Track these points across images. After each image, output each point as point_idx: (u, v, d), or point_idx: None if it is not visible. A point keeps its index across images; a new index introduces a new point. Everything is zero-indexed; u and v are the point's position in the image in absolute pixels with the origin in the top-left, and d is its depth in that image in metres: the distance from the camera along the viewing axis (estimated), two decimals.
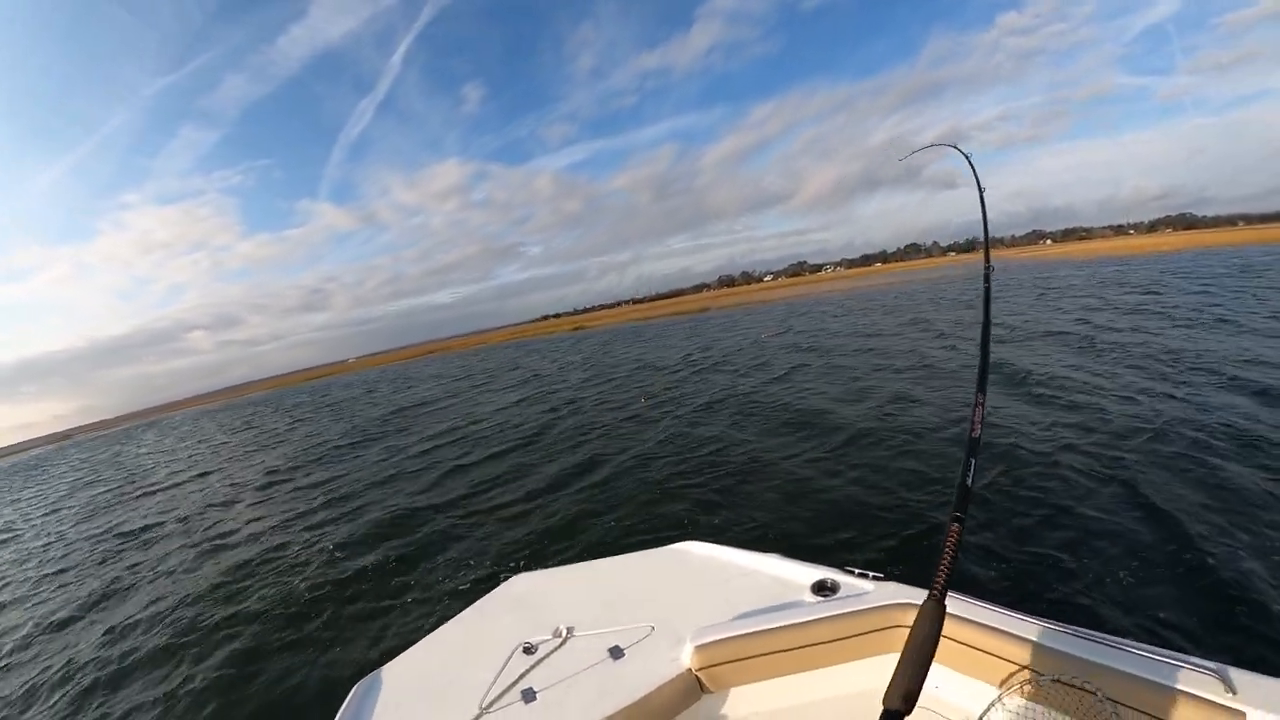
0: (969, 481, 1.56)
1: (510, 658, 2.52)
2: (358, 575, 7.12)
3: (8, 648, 7.45)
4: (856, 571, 2.57)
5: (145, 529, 12.53)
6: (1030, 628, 1.99)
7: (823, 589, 2.52)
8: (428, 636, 2.85)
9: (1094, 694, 1.67)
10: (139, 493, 17.80)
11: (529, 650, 2.55)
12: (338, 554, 8.03)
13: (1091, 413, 8.37)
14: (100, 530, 13.53)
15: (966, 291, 37.16)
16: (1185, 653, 1.76)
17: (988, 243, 2.69)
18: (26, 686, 6.26)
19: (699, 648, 2.33)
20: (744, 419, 11.45)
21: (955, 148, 3.48)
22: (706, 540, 3.30)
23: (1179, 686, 1.65)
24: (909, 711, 1.17)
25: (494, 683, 2.38)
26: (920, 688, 1.22)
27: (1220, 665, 1.68)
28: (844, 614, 2.30)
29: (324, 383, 78.92)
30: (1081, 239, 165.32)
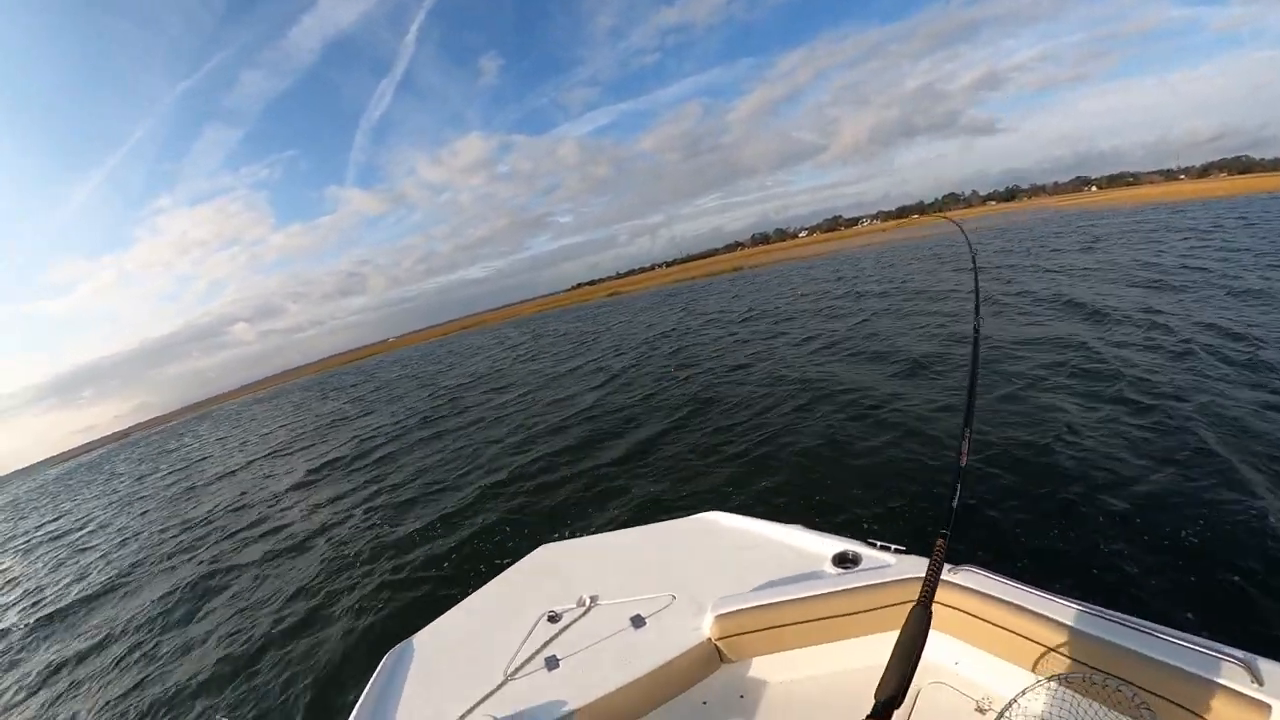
0: (955, 503, 1.66)
1: (535, 626, 2.59)
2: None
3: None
4: (879, 544, 2.57)
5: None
6: (1061, 609, 1.94)
7: (844, 561, 2.53)
8: (456, 605, 2.94)
9: (1130, 696, 1.65)
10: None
11: (553, 619, 2.61)
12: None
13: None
14: (166, 520, 14.16)
15: (1009, 243, 35.99)
16: (1216, 640, 1.72)
17: (978, 305, 2.71)
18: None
19: (719, 618, 2.36)
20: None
21: (954, 222, 3.81)
22: (730, 511, 3.33)
23: (1205, 675, 1.62)
24: (897, 706, 1.26)
25: (519, 650, 2.45)
26: (908, 686, 1.30)
27: (1249, 655, 1.65)
28: (864, 587, 2.31)
29: (369, 363, 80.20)
30: (1129, 185, 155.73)
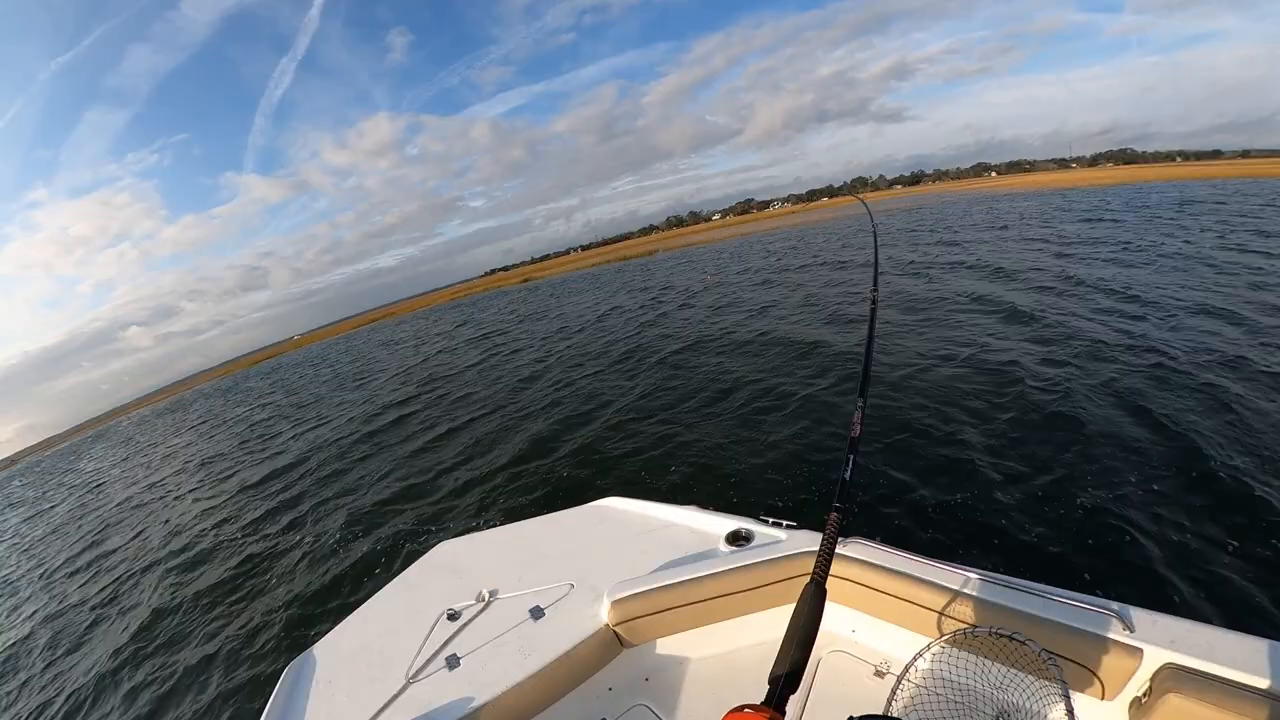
0: (847, 475, 1.62)
1: (435, 625, 2.58)
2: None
3: None
4: (770, 520, 2.65)
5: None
6: (951, 575, 2.05)
7: (737, 539, 2.60)
8: (356, 611, 2.90)
9: (1025, 643, 1.71)
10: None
11: (453, 616, 2.61)
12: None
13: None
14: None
15: (911, 224, 37.60)
16: (1091, 593, 1.87)
17: (877, 271, 2.76)
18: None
19: (615, 603, 2.40)
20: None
21: (860, 200, 3.96)
22: (626, 496, 3.39)
23: (1085, 628, 1.76)
24: (795, 689, 1.20)
25: (419, 651, 2.44)
26: (804, 665, 1.26)
27: (1122, 605, 1.79)
28: (754, 564, 2.37)
29: (269, 364, 76.85)
30: (1025, 172, 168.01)
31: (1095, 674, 1.74)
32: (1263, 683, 1.48)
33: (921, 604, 2.05)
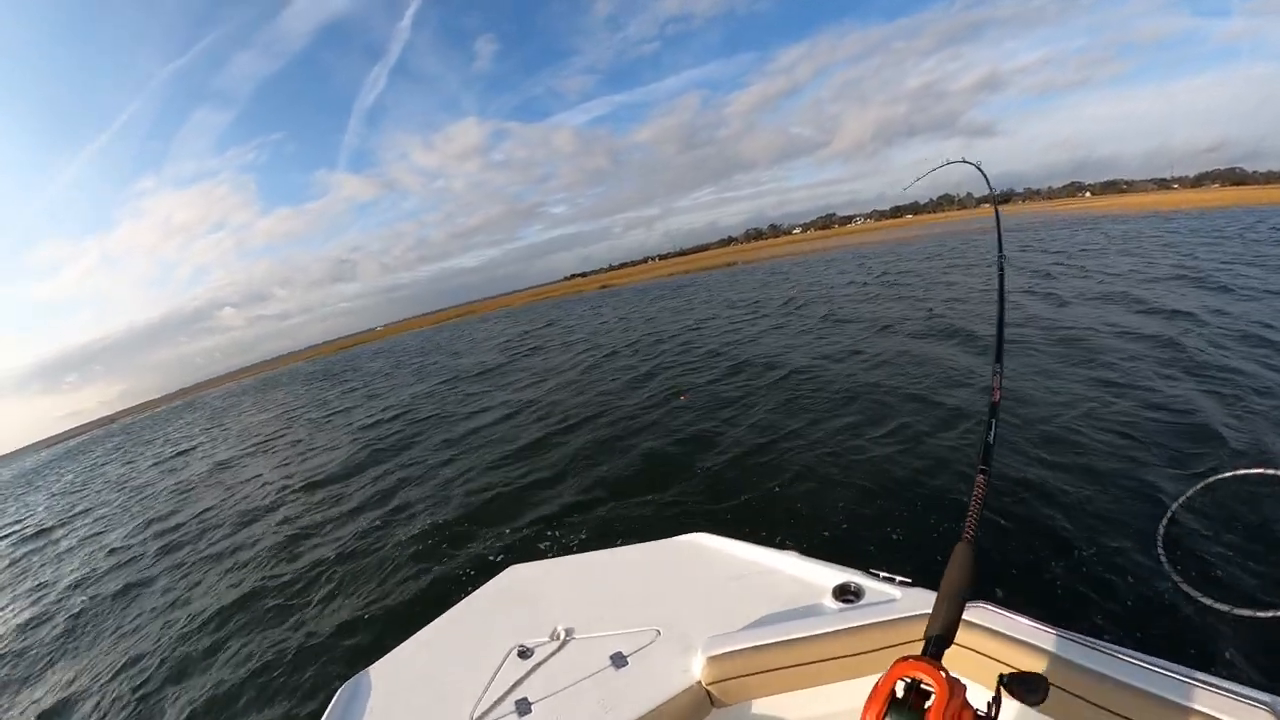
0: (991, 439, 1.71)
1: (504, 661, 2.33)
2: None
3: None
4: (882, 575, 2.34)
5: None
6: (1081, 651, 1.75)
7: (845, 593, 2.30)
8: (418, 634, 2.67)
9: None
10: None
11: (524, 654, 2.35)
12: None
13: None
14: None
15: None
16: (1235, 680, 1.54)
17: (1000, 239, 2.81)
18: None
19: (711, 659, 2.10)
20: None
21: (966, 161, 3.63)
22: (715, 534, 3.04)
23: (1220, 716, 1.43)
24: (949, 643, 1.27)
25: (487, 690, 2.19)
26: (957, 622, 1.32)
27: (1274, 697, 1.44)
28: (869, 624, 2.08)
29: (353, 352, 79.39)
30: (1121, 192, 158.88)
31: None
32: None
33: (1007, 662, 1.79)
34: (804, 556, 2.65)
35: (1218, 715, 1.44)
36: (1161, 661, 1.66)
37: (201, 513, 11.53)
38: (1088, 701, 1.66)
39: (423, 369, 28.52)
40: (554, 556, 3.40)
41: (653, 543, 3.11)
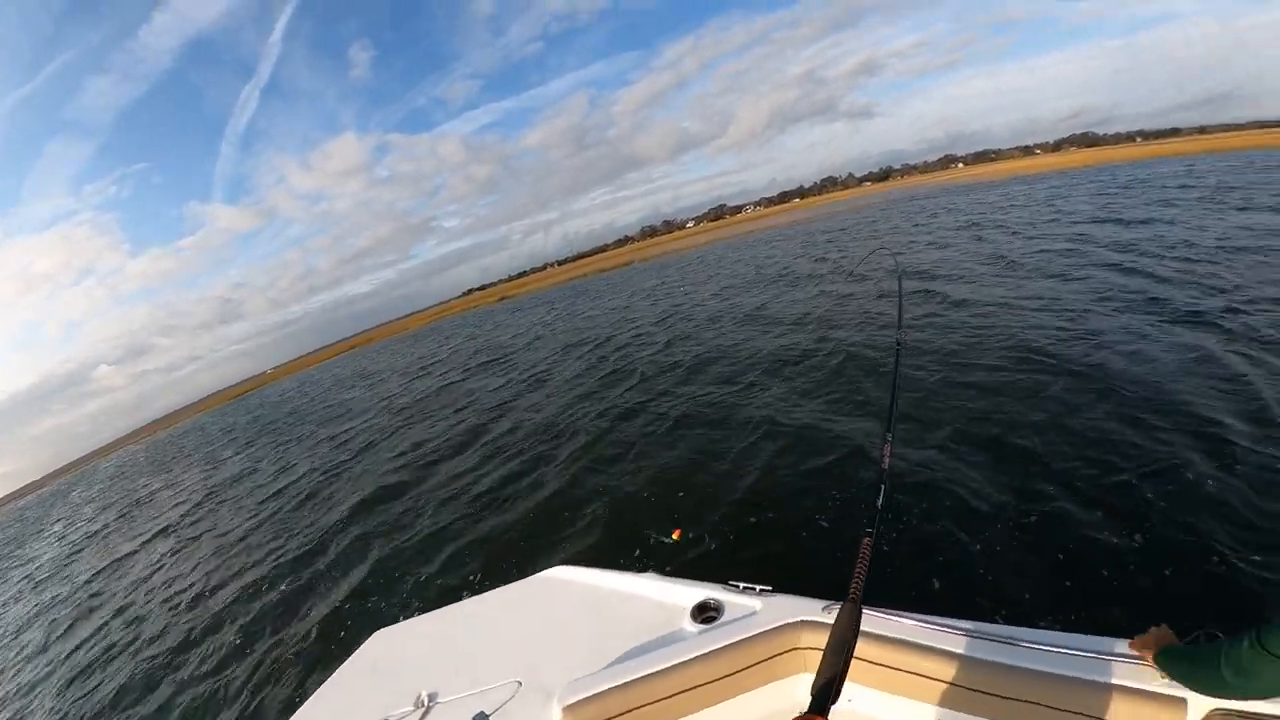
0: (880, 503, 1.77)
1: None
2: None
3: None
4: (741, 586, 2.39)
5: None
6: (958, 639, 1.94)
7: (705, 612, 2.33)
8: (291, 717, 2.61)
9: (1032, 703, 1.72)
10: None
11: None
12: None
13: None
14: None
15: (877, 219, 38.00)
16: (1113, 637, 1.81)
17: (901, 317, 2.97)
18: None
19: (568, 709, 2.10)
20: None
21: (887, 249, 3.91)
22: (576, 565, 3.07)
23: (1114, 681, 1.66)
24: (836, 698, 1.31)
25: None
26: (844, 675, 1.36)
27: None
28: (730, 645, 2.12)
29: (245, 401, 75.36)
30: (991, 161, 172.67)
31: None
32: None
33: (927, 674, 1.93)
34: (663, 577, 2.68)
35: (1111, 681, 1.67)
36: (1039, 635, 1.87)
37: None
38: (968, 688, 1.84)
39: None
40: (417, 615, 3.34)
41: (514, 584, 3.09)
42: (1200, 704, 1.58)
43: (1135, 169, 44.49)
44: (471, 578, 6.08)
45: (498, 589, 3.15)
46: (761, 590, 2.34)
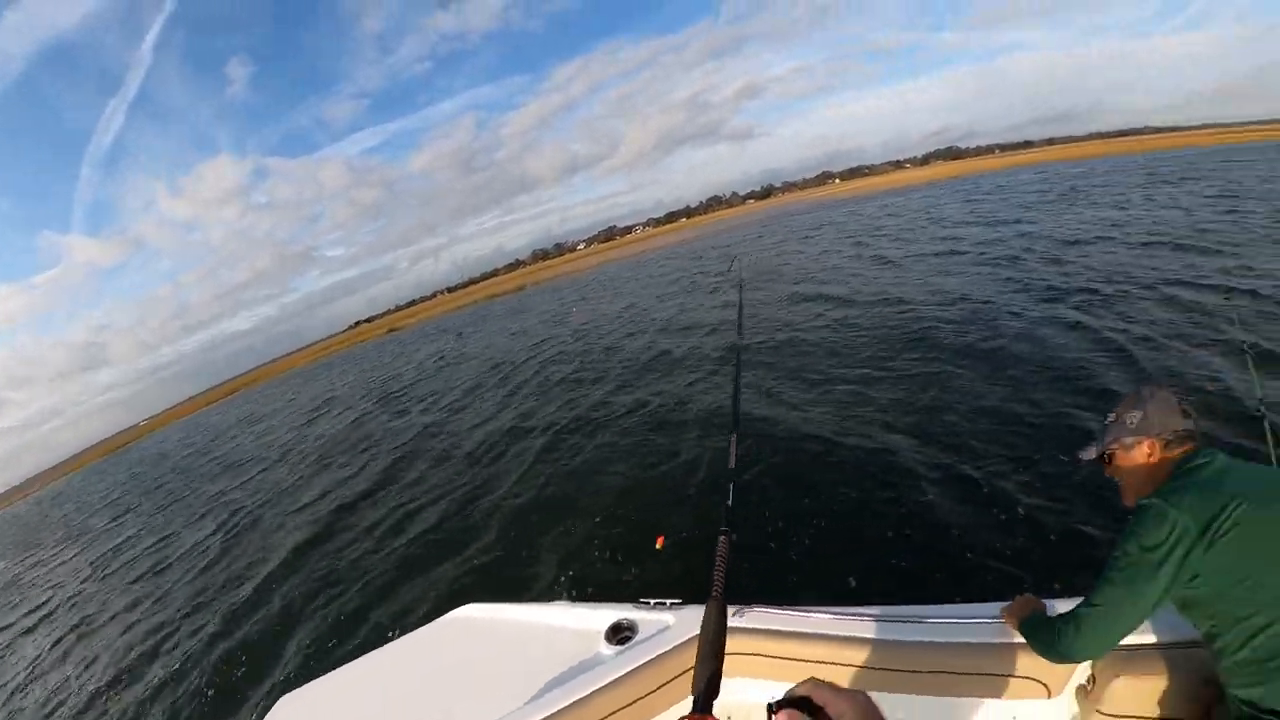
0: (730, 502, 1.71)
1: None
2: None
3: None
4: (653, 602, 2.33)
5: None
6: (850, 624, 2.03)
7: (619, 632, 2.24)
8: None
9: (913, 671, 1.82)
10: None
11: None
12: None
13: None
14: None
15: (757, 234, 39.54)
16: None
17: (741, 320, 2.89)
18: None
19: None
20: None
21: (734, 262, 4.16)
22: (486, 601, 2.88)
23: (1004, 641, 1.83)
24: (716, 694, 1.27)
25: None
26: (719, 674, 1.32)
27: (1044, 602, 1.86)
28: (646, 664, 2.04)
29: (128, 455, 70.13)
30: (865, 176, 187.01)
31: (1034, 679, 1.81)
32: (1167, 637, 1.73)
33: (829, 660, 1.99)
34: (574, 603, 2.62)
35: (1001, 641, 1.84)
36: (928, 609, 2.02)
37: None
38: (872, 668, 1.92)
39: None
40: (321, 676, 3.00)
41: (422, 629, 2.88)
42: None
43: (997, 177, 49.88)
44: (381, 623, 5.78)
45: (406, 636, 2.93)
46: (673, 604, 2.31)
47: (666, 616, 2.23)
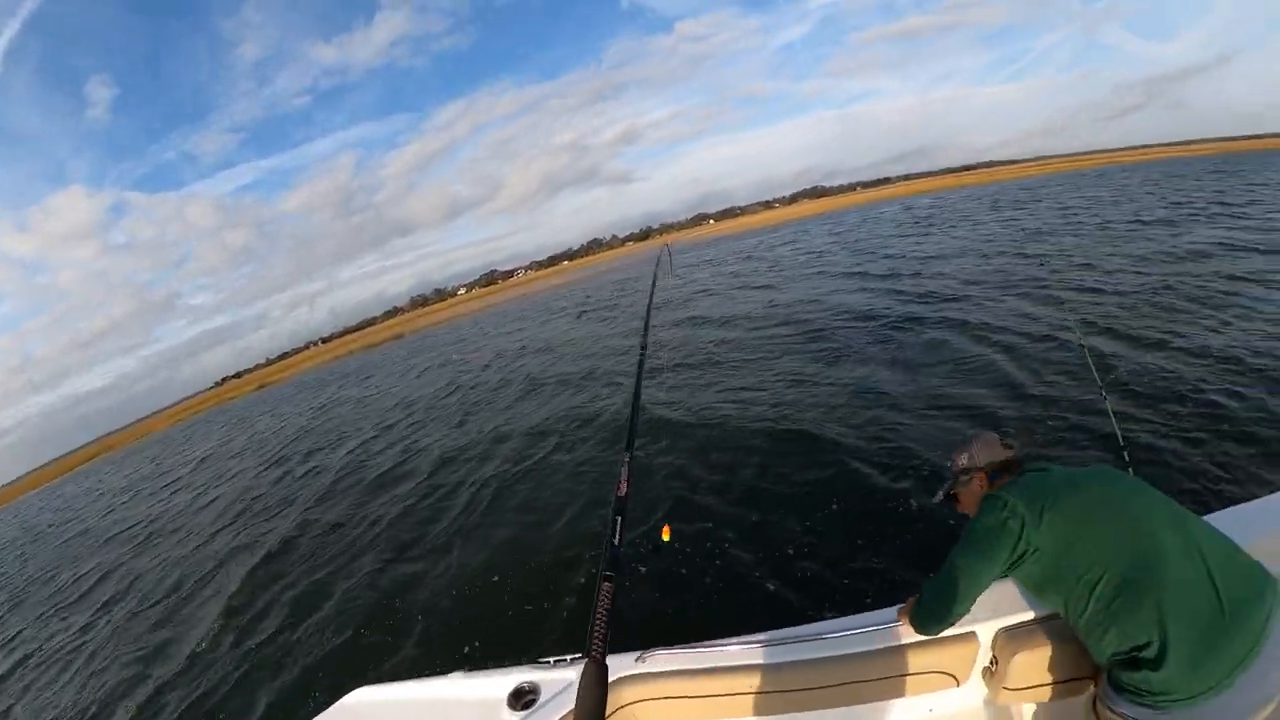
0: (616, 540, 1.53)
1: None
2: None
3: None
4: (553, 660, 2.22)
5: None
6: (741, 653, 2.06)
7: (522, 697, 2.14)
8: None
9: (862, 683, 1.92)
10: None
11: None
12: None
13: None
14: None
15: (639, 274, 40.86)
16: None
17: (649, 320, 2.98)
18: None
19: None
20: None
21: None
22: (378, 683, 2.54)
23: (906, 642, 1.94)
24: None
25: None
26: None
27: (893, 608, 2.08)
28: None
29: None
30: (737, 216, 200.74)
31: (941, 672, 1.94)
32: (1049, 612, 1.89)
33: (738, 691, 2.00)
34: (471, 672, 2.40)
35: (903, 642, 1.96)
36: (828, 624, 2.09)
37: None
38: (784, 691, 1.97)
39: None
40: None
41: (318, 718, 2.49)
42: (987, 629, 1.96)
43: (861, 211, 54.00)
44: None
45: None
46: (573, 659, 2.19)
47: (569, 674, 2.14)
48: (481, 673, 2.37)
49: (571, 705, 1.86)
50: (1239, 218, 16.48)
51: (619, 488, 1.71)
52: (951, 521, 4.24)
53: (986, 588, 1.82)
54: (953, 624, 1.87)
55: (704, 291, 21.39)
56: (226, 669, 5.93)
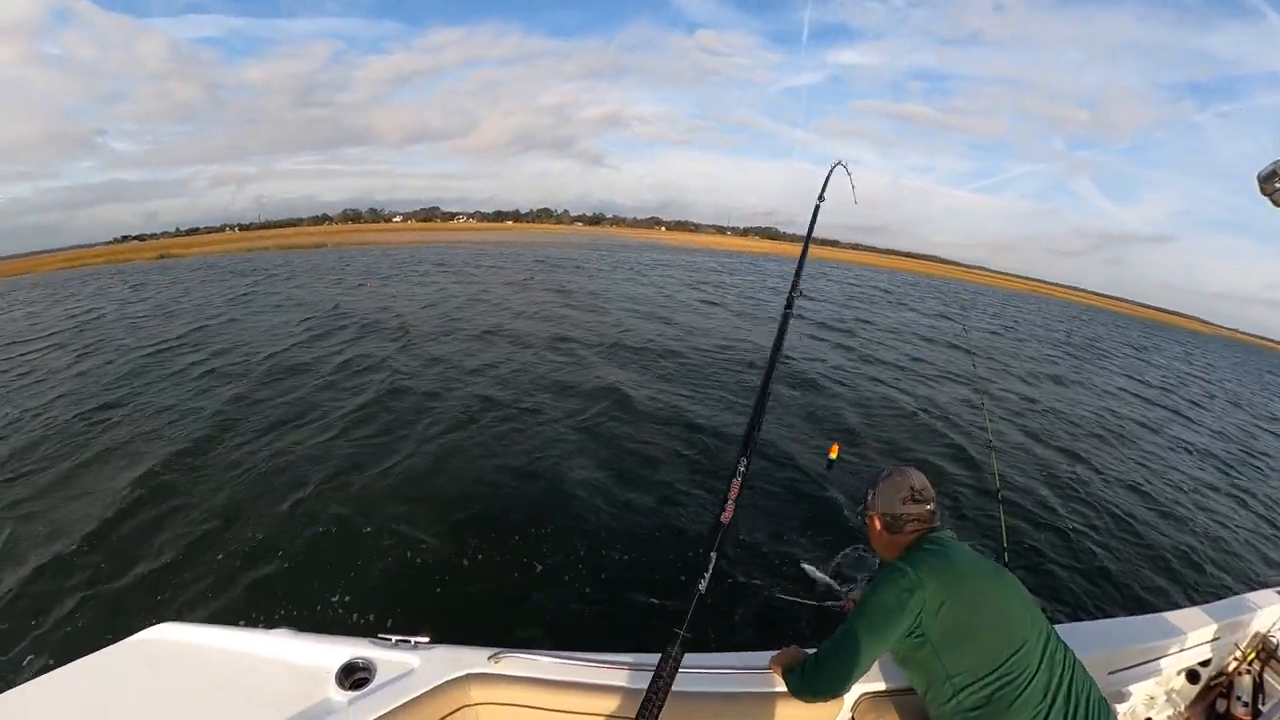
0: (702, 589, 1.85)
1: None
2: None
3: None
4: (394, 639, 2.02)
5: None
6: (601, 671, 2.02)
7: (353, 673, 1.90)
8: None
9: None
10: None
11: None
12: None
13: None
14: None
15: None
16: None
17: (804, 261, 3.11)
18: None
19: None
20: None
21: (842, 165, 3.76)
22: (187, 621, 2.18)
23: (763, 691, 1.98)
24: None
25: None
26: None
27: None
28: (391, 712, 1.76)
29: None
30: (690, 231, 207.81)
31: None
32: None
33: (593, 712, 1.96)
34: (300, 633, 2.13)
35: (761, 690, 1.99)
36: (704, 656, 2.06)
37: None
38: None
39: None
40: None
41: (98, 654, 2.04)
42: (853, 692, 1.99)
43: (810, 266, 56.39)
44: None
45: (74, 662, 2.05)
46: (418, 643, 2.03)
47: (410, 658, 1.97)
48: (311, 636, 2.15)
49: (409, 694, 1.81)
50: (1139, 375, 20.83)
51: (725, 511, 1.86)
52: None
53: (865, 669, 1.84)
54: (820, 699, 1.90)
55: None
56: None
